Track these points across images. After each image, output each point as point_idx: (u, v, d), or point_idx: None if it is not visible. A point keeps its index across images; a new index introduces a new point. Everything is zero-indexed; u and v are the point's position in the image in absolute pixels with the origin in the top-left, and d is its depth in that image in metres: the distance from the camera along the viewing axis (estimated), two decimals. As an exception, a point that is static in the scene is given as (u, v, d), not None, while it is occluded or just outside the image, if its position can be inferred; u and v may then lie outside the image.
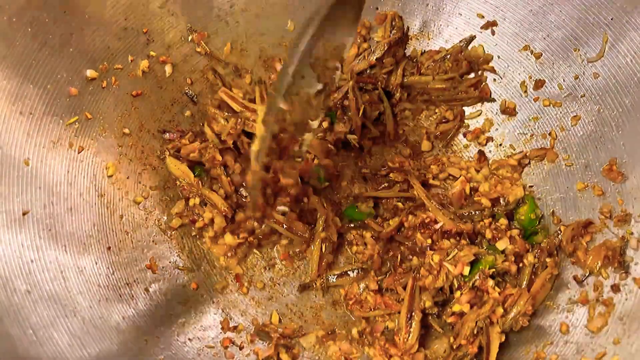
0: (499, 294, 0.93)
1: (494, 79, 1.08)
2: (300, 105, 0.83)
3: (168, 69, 1.06)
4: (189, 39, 1.07)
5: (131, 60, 1.02)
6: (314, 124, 0.85)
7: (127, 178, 1.01)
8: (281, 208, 0.97)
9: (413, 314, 0.94)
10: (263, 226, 1.02)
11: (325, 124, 1.06)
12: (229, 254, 1.03)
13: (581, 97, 0.98)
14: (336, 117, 1.08)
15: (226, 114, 1.05)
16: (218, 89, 1.07)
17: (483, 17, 1.06)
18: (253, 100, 1.07)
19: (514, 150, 1.07)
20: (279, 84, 0.79)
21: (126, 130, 1.02)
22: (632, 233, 0.89)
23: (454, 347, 0.93)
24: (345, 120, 1.06)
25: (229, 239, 1.02)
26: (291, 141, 0.86)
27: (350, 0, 0.81)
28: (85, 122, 0.96)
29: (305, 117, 0.84)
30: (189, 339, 0.97)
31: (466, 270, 0.93)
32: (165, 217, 1.04)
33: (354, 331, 0.99)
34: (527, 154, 1.05)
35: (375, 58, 1.08)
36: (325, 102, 0.85)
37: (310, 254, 1.04)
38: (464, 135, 1.11)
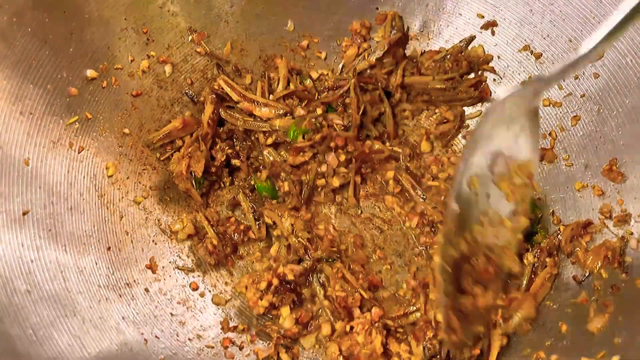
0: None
1: (494, 79, 1.08)
2: (491, 226, 0.80)
3: (168, 69, 1.06)
4: (189, 39, 1.07)
5: (131, 60, 1.02)
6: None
7: (127, 178, 1.01)
8: None
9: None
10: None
11: (319, 111, 1.06)
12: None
13: (581, 97, 0.98)
14: (335, 112, 1.08)
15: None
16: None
17: (483, 17, 1.06)
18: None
19: (514, 150, 1.07)
20: (451, 188, 0.78)
21: (126, 130, 1.02)
22: (632, 233, 0.89)
23: None
24: (344, 116, 1.06)
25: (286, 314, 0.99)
26: (489, 265, 0.82)
27: (528, 114, 0.77)
28: (86, 122, 0.96)
29: (502, 240, 0.81)
30: (189, 339, 0.97)
31: None
32: (166, 217, 1.04)
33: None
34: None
35: (375, 58, 1.08)
36: (521, 225, 0.82)
37: None
38: (464, 137, 1.11)
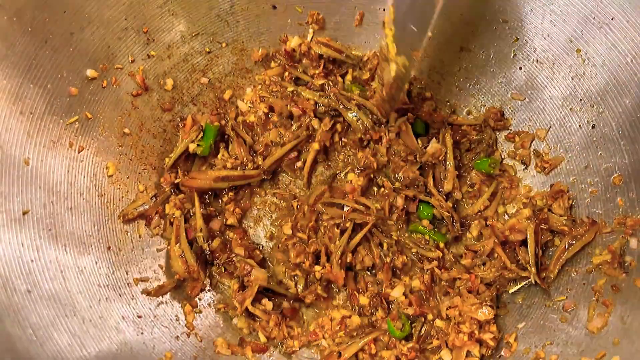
0: None
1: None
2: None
3: (168, 69, 1.06)
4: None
5: (131, 60, 1.02)
6: None
7: (127, 178, 1.02)
8: None
9: None
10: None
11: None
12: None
13: (581, 97, 0.98)
14: None
15: None
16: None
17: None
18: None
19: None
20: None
21: (126, 130, 1.02)
22: (632, 233, 0.89)
23: None
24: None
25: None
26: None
27: None
28: (86, 121, 0.96)
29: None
30: (189, 339, 0.97)
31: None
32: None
33: None
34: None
35: None
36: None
37: None
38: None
